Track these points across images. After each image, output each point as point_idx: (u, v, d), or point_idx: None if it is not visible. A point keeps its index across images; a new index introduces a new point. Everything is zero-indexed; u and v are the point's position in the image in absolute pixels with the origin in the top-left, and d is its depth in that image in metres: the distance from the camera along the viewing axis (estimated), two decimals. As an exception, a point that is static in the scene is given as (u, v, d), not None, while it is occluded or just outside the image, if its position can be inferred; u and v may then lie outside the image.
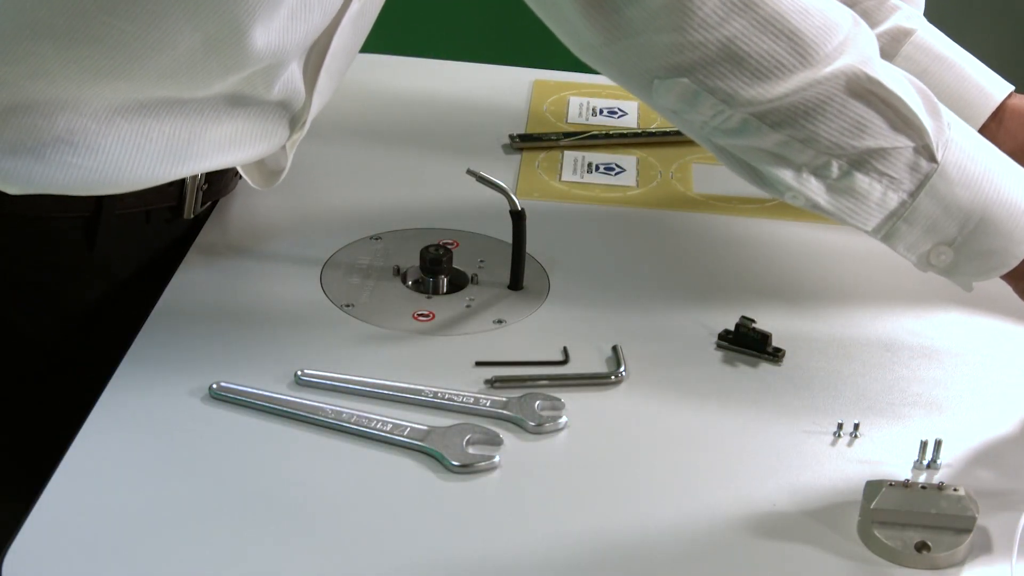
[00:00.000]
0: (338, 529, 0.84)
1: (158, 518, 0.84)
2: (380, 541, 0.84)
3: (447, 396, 0.95)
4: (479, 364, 0.99)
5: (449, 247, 1.09)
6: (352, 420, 0.91)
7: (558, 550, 0.84)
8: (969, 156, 0.93)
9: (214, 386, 0.93)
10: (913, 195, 0.93)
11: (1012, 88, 1.17)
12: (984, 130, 1.11)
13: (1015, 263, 0.96)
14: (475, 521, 0.86)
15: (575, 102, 1.40)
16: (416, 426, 0.91)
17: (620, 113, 1.38)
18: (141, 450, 0.89)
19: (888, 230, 0.95)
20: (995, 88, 1.16)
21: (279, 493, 0.87)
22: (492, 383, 0.97)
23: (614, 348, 1.01)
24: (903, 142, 0.92)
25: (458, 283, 1.09)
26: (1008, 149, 1.00)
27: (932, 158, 0.92)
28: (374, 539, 0.84)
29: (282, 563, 0.82)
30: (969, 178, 0.92)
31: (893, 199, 0.93)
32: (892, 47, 1.15)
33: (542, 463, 0.91)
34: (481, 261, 1.11)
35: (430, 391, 0.95)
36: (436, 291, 1.08)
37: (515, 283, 1.08)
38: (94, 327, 1.07)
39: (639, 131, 1.34)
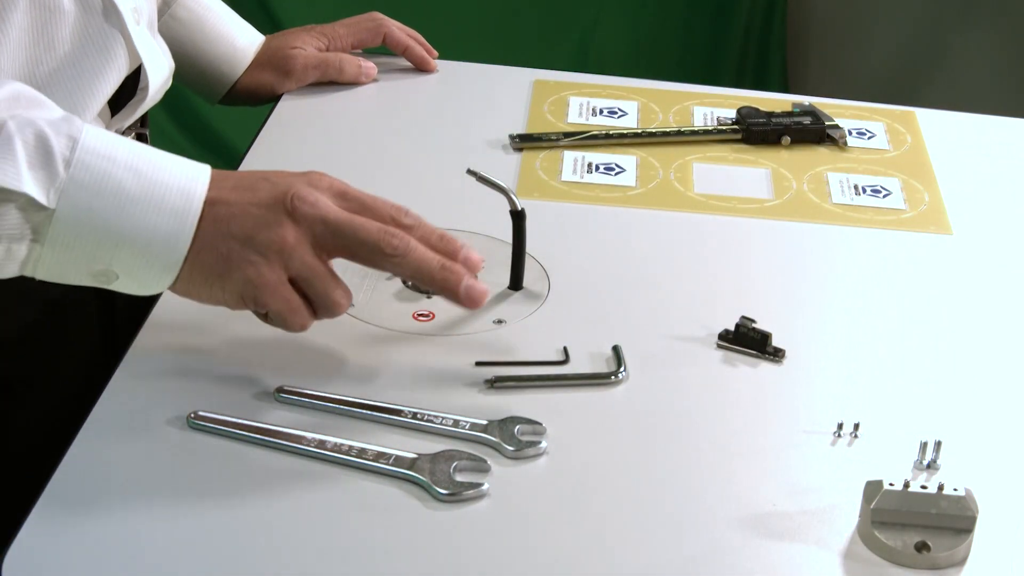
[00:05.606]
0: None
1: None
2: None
3: (426, 417, 0.93)
4: (479, 364, 0.99)
5: (449, 247, 1.09)
6: (335, 448, 0.90)
7: (557, 564, 0.84)
8: (94, 193, 0.89)
9: (192, 416, 0.91)
10: (38, 241, 0.89)
11: (263, 38, 1.40)
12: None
13: (159, 289, 0.93)
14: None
15: (575, 102, 1.40)
16: (401, 454, 0.89)
17: (620, 113, 1.38)
18: (135, 456, 0.90)
19: (34, 270, 0.91)
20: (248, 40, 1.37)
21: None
22: (492, 383, 0.97)
23: (614, 348, 1.01)
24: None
25: (458, 283, 1.09)
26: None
27: (42, 207, 0.88)
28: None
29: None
30: (91, 217, 0.89)
31: (21, 250, 0.89)
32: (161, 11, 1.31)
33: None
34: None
35: (409, 411, 0.93)
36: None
37: (515, 283, 1.08)
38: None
39: (639, 131, 1.34)
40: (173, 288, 0.93)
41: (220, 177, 0.93)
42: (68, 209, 0.88)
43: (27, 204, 0.87)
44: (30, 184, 0.87)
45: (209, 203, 0.91)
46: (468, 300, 0.95)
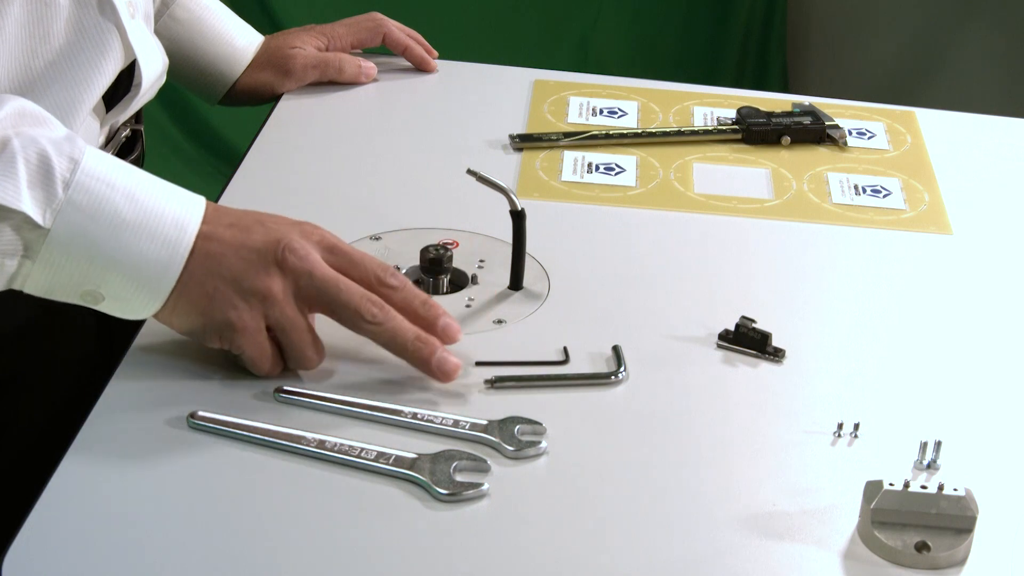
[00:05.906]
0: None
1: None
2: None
3: (426, 417, 0.93)
4: (479, 364, 0.99)
5: (449, 247, 1.09)
6: (335, 448, 0.90)
7: (557, 564, 0.84)
8: (90, 216, 0.89)
9: (192, 416, 0.91)
10: (29, 257, 0.89)
11: (262, 39, 1.40)
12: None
13: (144, 315, 0.94)
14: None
15: (575, 102, 1.40)
16: (401, 454, 0.89)
17: (620, 113, 1.38)
18: (138, 453, 0.90)
19: (22, 285, 0.91)
20: (248, 41, 1.38)
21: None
22: (492, 383, 0.97)
23: (614, 348, 1.01)
24: None
25: (458, 283, 1.09)
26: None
27: (37, 226, 0.88)
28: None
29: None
30: (84, 240, 0.89)
31: (11, 265, 0.89)
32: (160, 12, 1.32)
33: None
34: (481, 261, 1.11)
35: (409, 411, 0.94)
36: (436, 291, 1.08)
37: (515, 283, 1.08)
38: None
39: (639, 131, 1.34)
40: (156, 315, 0.93)
41: (219, 212, 0.94)
42: (63, 230, 0.89)
43: (23, 222, 0.88)
44: (28, 204, 0.88)
45: (203, 237, 0.92)
46: (440, 373, 0.95)
